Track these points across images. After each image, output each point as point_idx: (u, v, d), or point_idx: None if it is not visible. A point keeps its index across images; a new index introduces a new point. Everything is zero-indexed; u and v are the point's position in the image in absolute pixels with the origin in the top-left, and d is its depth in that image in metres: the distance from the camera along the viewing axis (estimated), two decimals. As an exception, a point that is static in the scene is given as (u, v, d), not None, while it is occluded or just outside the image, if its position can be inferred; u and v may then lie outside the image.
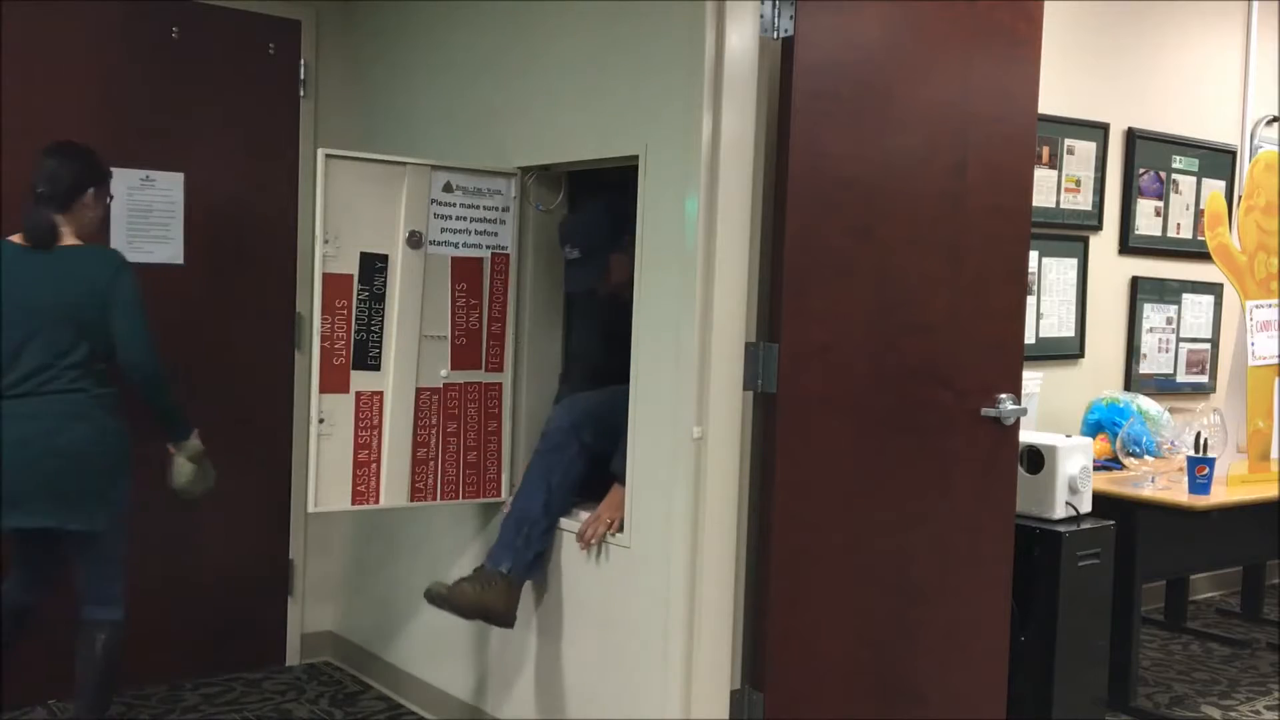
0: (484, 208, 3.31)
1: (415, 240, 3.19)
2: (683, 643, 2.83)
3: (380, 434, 3.20)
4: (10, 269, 3.09)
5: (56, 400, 3.08)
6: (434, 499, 3.31)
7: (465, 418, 3.35)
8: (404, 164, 3.19)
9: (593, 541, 3.11)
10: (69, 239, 3.14)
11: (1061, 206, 4.56)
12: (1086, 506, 3.59)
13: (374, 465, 3.20)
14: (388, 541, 3.96)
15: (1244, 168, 4.97)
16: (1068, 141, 4.54)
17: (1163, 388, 4.92)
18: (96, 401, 3.13)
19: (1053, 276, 4.55)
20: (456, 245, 3.28)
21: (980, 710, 3.25)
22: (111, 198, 3.38)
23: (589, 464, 3.22)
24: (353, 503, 3.20)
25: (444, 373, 3.29)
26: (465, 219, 3.30)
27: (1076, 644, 3.51)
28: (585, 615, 3.17)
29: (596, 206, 3.30)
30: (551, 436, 3.25)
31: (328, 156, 3.07)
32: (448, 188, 3.25)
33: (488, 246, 3.33)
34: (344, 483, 3.17)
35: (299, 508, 4.12)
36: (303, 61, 4.07)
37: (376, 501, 3.23)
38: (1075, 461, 3.54)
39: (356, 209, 3.11)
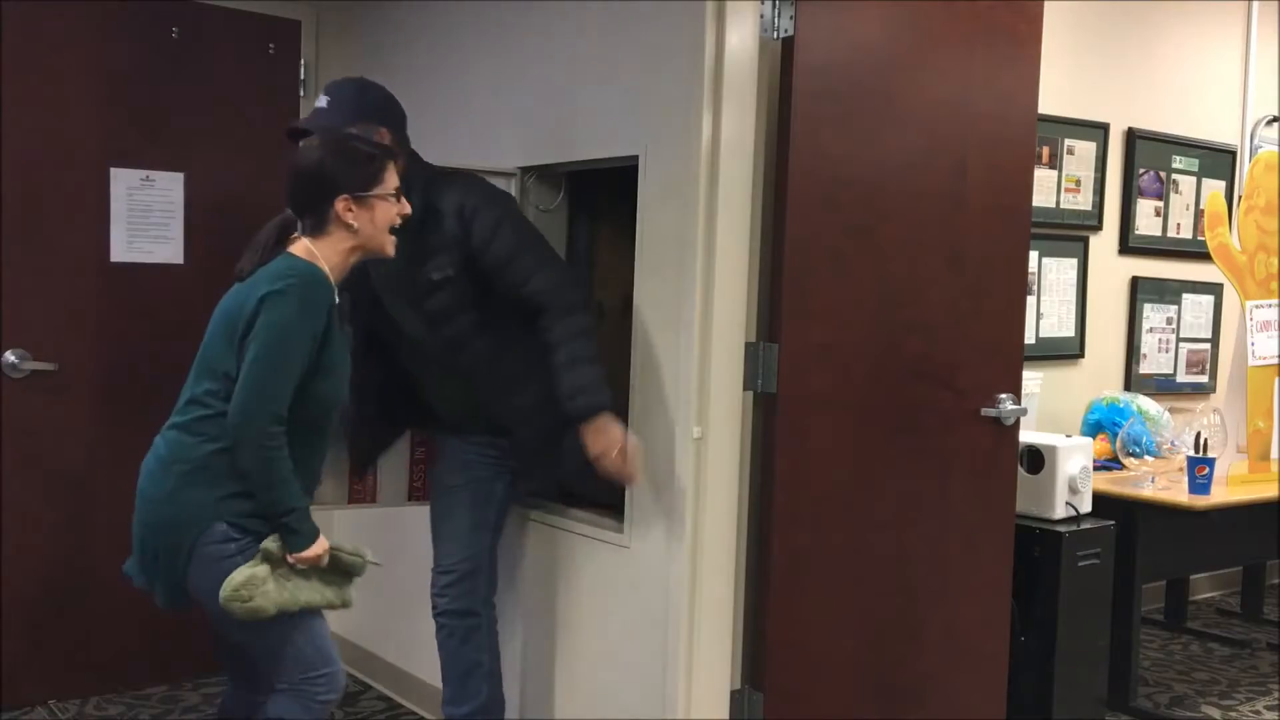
0: None
1: None
2: (683, 643, 2.83)
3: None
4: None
5: (162, 439, 2.52)
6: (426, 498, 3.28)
7: None
8: None
9: (634, 473, 2.85)
10: (296, 247, 2.52)
11: (1061, 206, 4.56)
12: (1086, 506, 3.59)
13: (372, 465, 3.20)
14: (388, 541, 3.96)
15: (1244, 168, 4.97)
16: (1068, 141, 4.54)
17: (1163, 388, 4.91)
18: (192, 449, 2.45)
19: (1053, 276, 4.55)
20: None
21: (980, 710, 3.25)
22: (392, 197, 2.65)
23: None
24: (350, 501, 3.19)
25: None
26: None
27: (1076, 644, 3.51)
28: (585, 615, 3.17)
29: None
30: (455, 621, 3.04)
31: None
32: None
33: None
34: (341, 483, 3.16)
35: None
36: (303, 61, 4.07)
37: (374, 501, 3.22)
38: (1075, 461, 3.54)
39: None
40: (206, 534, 2.42)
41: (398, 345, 3.04)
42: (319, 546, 2.47)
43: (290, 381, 2.38)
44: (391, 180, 2.53)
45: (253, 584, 2.39)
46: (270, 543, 2.43)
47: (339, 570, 2.57)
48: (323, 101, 2.83)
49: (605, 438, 2.78)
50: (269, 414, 2.36)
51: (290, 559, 2.44)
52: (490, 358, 2.92)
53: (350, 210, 2.47)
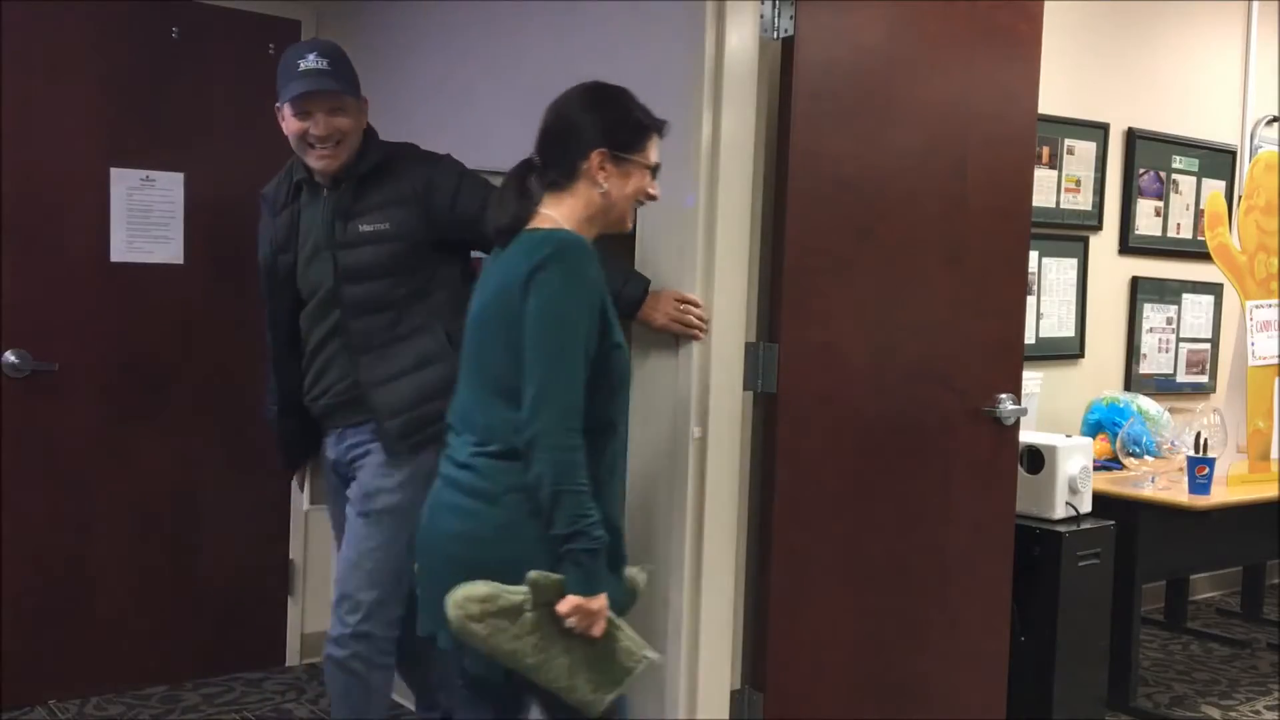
0: None
1: None
2: (683, 642, 2.83)
3: None
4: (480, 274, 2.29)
5: (469, 472, 2.16)
6: None
7: None
8: None
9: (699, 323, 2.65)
10: (543, 224, 2.20)
11: (1061, 206, 4.56)
12: (1086, 506, 3.60)
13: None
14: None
15: (1244, 168, 4.97)
16: (1068, 141, 4.54)
17: (1163, 388, 4.91)
18: (522, 473, 2.06)
19: (1053, 276, 4.55)
20: None
21: (980, 710, 3.25)
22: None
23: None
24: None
25: None
26: None
27: (1076, 644, 3.51)
28: (585, 615, 3.16)
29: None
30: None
31: None
32: None
33: None
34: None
35: (299, 508, 4.12)
36: (303, 61, 4.07)
37: None
38: (1075, 461, 3.54)
39: None
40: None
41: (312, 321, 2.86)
42: (597, 602, 2.00)
43: (580, 371, 2.03)
44: (653, 154, 2.25)
45: (489, 603, 1.99)
46: (540, 576, 1.99)
47: (607, 659, 2.04)
48: (321, 62, 2.73)
49: (664, 303, 2.71)
50: (563, 405, 2.01)
51: (561, 608, 1.99)
52: (392, 333, 2.76)
53: (604, 169, 2.18)
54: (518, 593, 1.98)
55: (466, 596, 1.99)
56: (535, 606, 1.98)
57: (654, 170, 2.27)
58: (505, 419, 2.07)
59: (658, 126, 2.28)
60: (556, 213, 2.18)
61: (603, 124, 2.20)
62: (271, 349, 2.95)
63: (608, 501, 2.11)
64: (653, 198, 2.31)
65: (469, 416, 2.18)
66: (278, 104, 2.80)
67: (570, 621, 2.00)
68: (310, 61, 2.73)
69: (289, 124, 2.77)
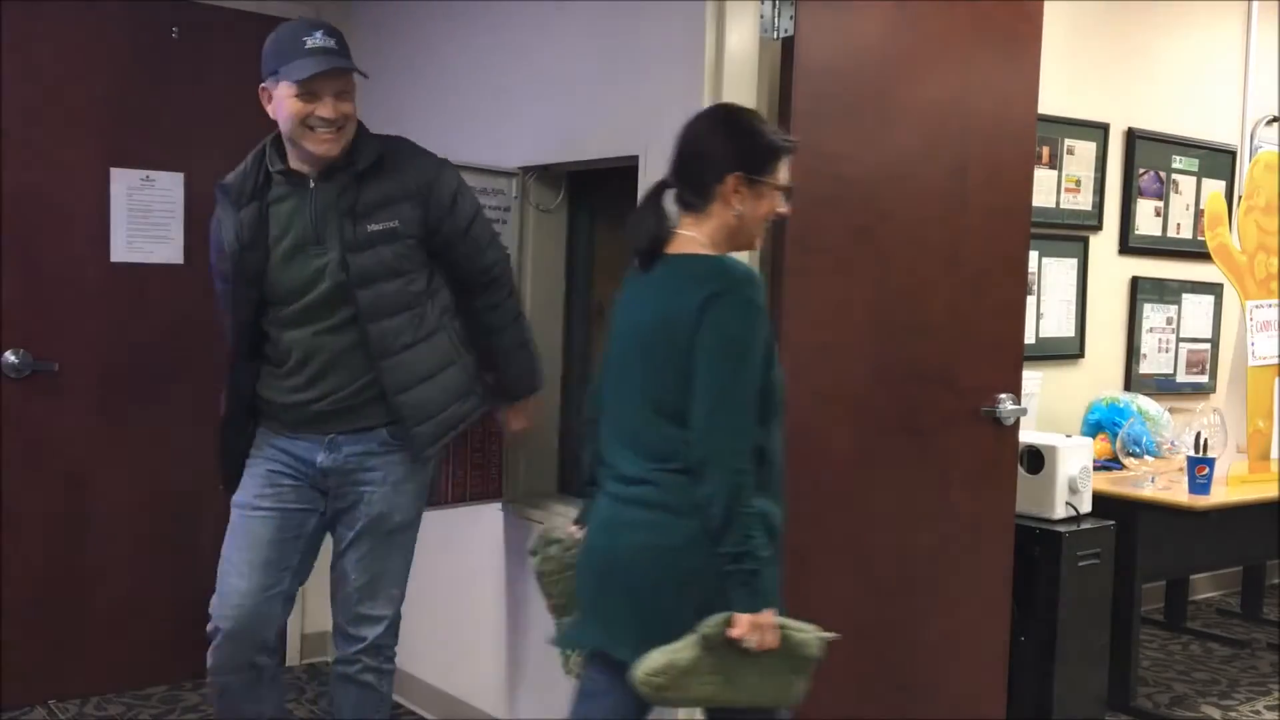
0: (492, 208, 3.25)
1: None
2: (683, 643, 2.82)
3: None
4: (624, 291, 2.35)
5: (653, 489, 2.22)
6: (445, 503, 3.22)
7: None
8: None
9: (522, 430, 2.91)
10: (687, 246, 2.27)
11: (1061, 206, 4.56)
12: (1086, 506, 3.60)
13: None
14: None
15: (1244, 168, 4.97)
16: (1068, 141, 4.54)
17: (1163, 388, 4.91)
18: (651, 482, 2.19)
19: (1053, 276, 4.55)
20: None
21: (980, 710, 3.25)
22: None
23: None
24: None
25: None
26: None
27: (1076, 644, 3.51)
28: (585, 615, 3.17)
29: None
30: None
31: None
32: None
33: None
34: None
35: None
36: (303, 61, 4.07)
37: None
38: (1075, 461, 3.54)
39: None
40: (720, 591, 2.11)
41: (288, 324, 2.67)
42: (767, 617, 2.08)
43: (751, 396, 2.12)
44: (784, 175, 2.30)
45: (669, 671, 2.06)
46: (709, 627, 2.06)
47: (787, 656, 2.13)
48: (329, 41, 2.58)
49: (528, 416, 2.99)
50: (738, 429, 2.10)
51: (734, 632, 2.06)
52: (413, 335, 2.69)
53: (738, 192, 2.23)
54: (688, 647, 2.07)
55: (648, 673, 2.07)
56: (711, 649, 2.07)
57: (786, 191, 2.32)
58: (676, 437, 2.15)
59: (788, 148, 2.32)
60: (695, 233, 2.25)
61: (736, 149, 2.25)
62: (239, 352, 2.72)
63: (771, 522, 2.20)
64: (783, 217, 2.37)
65: (636, 435, 2.23)
66: (268, 83, 2.59)
67: (746, 641, 2.07)
68: (318, 40, 2.56)
69: (288, 105, 2.55)
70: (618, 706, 2.30)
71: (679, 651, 2.07)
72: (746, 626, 2.06)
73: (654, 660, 2.07)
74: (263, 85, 2.61)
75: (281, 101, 2.57)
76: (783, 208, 2.32)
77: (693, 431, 2.11)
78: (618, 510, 2.25)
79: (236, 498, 2.76)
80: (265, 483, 2.72)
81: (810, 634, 2.15)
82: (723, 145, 2.25)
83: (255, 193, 2.64)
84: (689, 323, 2.12)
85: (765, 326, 2.17)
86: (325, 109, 2.55)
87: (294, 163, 2.64)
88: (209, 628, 2.69)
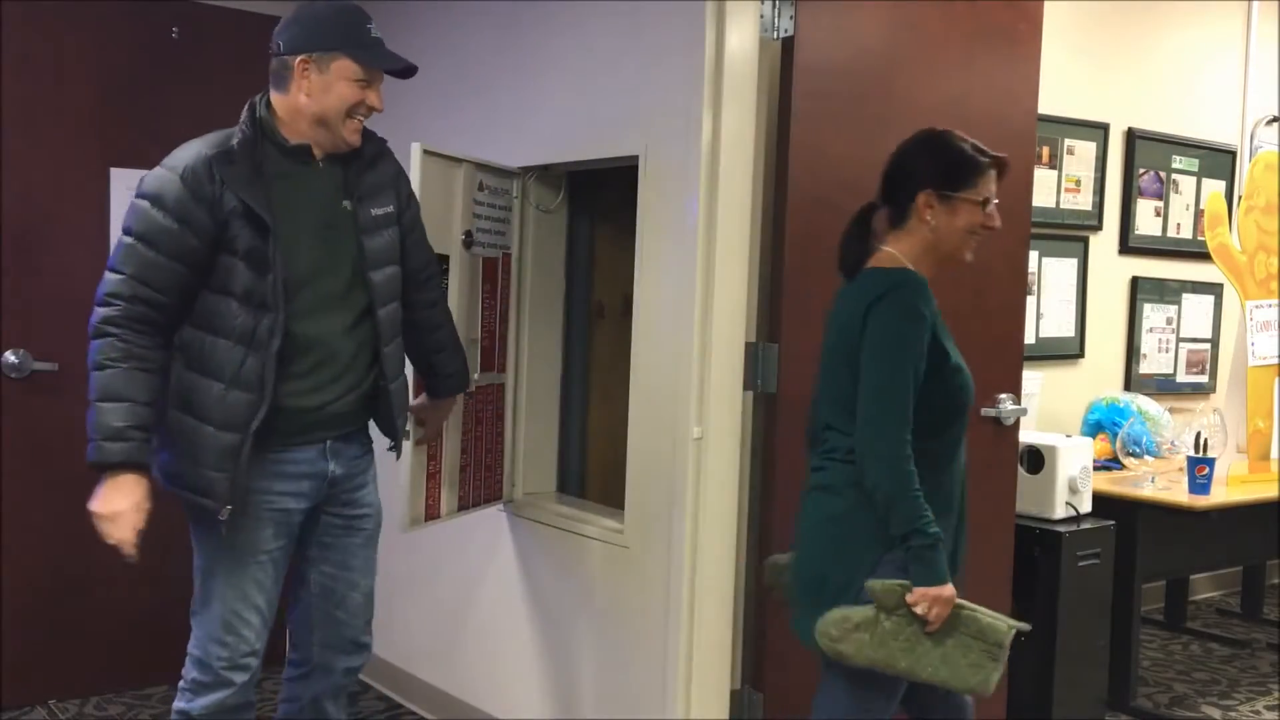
0: (499, 207, 3.26)
1: (468, 241, 3.06)
2: (683, 643, 2.83)
3: (441, 443, 3.00)
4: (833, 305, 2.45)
5: (834, 472, 2.36)
6: (469, 505, 3.17)
7: (487, 420, 3.24)
8: (460, 161, 3.04)
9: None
10: (880, 260, 2.38)
11: (1061, 206, 4.56)
12: (1086, 506, 3.60)
13: (438, 476, 2.99)
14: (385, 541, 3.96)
15: (1244, 168, 4.97)
16: (1068, 141, 4.54)
17: (1163, 388, 4.91)
18: (823, 469, 2.38)
19: (1053, 276, 4.55)
20: (484, 246, 3.17)
21: (980, 710, 3.24)
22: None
23: None
24: (425, 517, 2.97)
25: (476, 376, 3.09)
26: (490, 219, 3.20)
27: (1076, 644, 3.51)
28: (585, 615, 3.17)
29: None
30: None
31: (425, 152, 2.86)
32: (480, 187, 3.15)
33: (499, 247, 3.27)
34: (419, 496, 2.95)
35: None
36: (303, 61, 4.07)
37: (438, 515, 3.02)
38: (1075, 461, 3.54)
39: (429, 208, 2.83)
40: (879, 566, 2.25)
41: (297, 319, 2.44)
42: (944, 590, 2.21)
43: (908, 390, 2.23)
44: (986, 188, 2.35)
45: (843, 625, 2.22)
46: (878, 585, 2.21)
47: (974, 641, 2.24)
48: (380, 33, 2.49)
49: (448, 415, 2.92)
50: (893, 420, 2.22)
51: (911, 599, 2.20)
52: (404, 323, 2.65)
53: (931, 207, 2.33)
54: (863, 608, 2.22)
55: (822, 626, 2.23)
56: (888, 612, 2.21)
57: (984, 203, 2.37)
58: (848, 431, 2.30)
59: (989, 162, 2.37)
60: (896, 249, 2.37)
61: (928, 167, 2.35)
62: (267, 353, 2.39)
63: (941, 499, 2.30)
64: (990, 229, 2.40)
65: (826, 431, 2.39)
66: (316, 57, 2.39)
67: (921, 610, 2.20)
68: (376, 31, 2.46)
69: (341, 88, 2.41)
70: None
71: (854, 610, 2.21)
72: (920, 596, 2.20)
73: (830, 615, 2.22)
74: (304, 57, 2.40)
75: (334, 82, 2.41)
76: (988, 220, 2.38)
77: (858, 424, 2.26)
78: (807, 499, 2.42)
79: (237, 538, 2.48)
80: (274, 530, 2.52)
81: (1002, 620, 2.23)
82: (916, 164, 2.37)
83: (258, 167, 2.45)
84: (857, 327, 2.28)
85: (924, 325, 2.26)
86: (375, 99, 2.47)
87: (299, 140, 2.47)
88: (207, 678, 2.50)
